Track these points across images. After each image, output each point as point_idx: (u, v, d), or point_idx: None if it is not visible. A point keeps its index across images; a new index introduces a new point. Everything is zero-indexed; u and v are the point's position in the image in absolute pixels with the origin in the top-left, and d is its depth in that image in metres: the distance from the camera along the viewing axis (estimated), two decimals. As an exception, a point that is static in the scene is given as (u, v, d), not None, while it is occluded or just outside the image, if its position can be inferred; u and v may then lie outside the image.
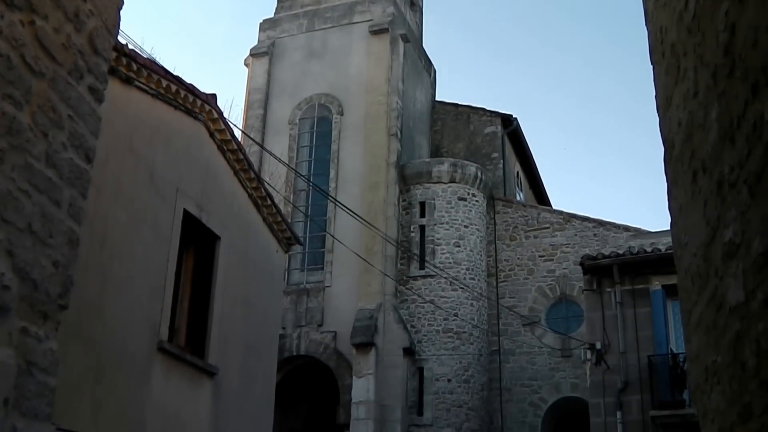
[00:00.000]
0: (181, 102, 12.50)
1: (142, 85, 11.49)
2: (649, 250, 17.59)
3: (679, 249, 4.41)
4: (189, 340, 12.78)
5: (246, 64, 33.43)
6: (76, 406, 9.57)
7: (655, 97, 4.86)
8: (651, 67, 5.03)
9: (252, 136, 30.20)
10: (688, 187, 3.97)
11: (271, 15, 34.07)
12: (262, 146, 26.17)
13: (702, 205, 3.64)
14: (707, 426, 3.92)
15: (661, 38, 4.47)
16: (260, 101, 31.96)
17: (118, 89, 11.00)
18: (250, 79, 32.75)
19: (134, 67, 11.20)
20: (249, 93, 32.42)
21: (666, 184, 4.66)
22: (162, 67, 11.87)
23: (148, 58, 11.57)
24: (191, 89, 12.63)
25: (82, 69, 5.15)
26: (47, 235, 4.78)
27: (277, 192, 24.35)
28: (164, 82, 11.93)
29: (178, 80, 12.27)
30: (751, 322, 2.96)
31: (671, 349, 16.54)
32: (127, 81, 11.16)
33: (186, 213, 12.42)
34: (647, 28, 4.98)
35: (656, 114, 4.83)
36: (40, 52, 4.71)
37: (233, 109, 62.42)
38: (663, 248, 17.13)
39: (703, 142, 3.62)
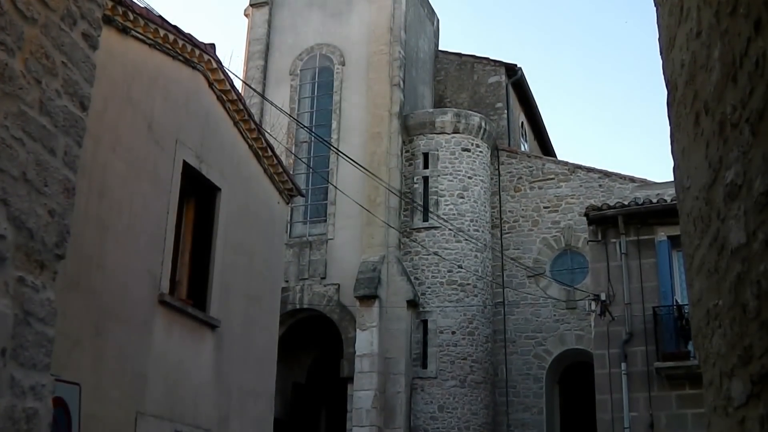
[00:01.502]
0: (179, 52, 12.44)
1: (139, 35, 11.43)
2: (654, 200, 17.54)
3: (681, 192, 4.40)
4: (190, 292, 12.84)
5: (246, 15, 33.20)
6: (77, 358, 9.63)
7: (659, 39, 4.82)
8: (655, 9, 4.99)
9: (253, 87, 30.08)
10: (691, 129, 3.94)
11: (271, -37, 33.71)
12: (262, 96, 26.09)
13: (704, 147, 3.63)
14: (708, 370, 3.94)
15: (664, -22, 4.42)
16: (261, 52, 31.79)
17: (114, 39, 10.95)
18: (250, 29, 32.55)
19: (131, 16, 11.14)
20: (249, 44, 32.24)
21: (669, 128, 4.64)
22: (159, 17, 11.79)
23: (145, 8, 11.48)
24: (189, 39, 12.56)
25: (75, 15, 5.11)
26: (42, 183, 4.78)
27: (279, 143, 24.32)
28: (162, 32, 11.86)
29: (176, 29, 12.20)
30: (752, 264, 2.96)
31: (676, 301, 16.54)
32: (124, 31, 11.10)
33: (185, 164, 12.41)
34: (651, -31, 4.92)
35: (660, 57, 4.80)
36: (32, -4, 4.67)
37: (234, 61, 62.17)
38: (669, 199, 17.08)
39: (705, 82, 3.59)
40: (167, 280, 11.75)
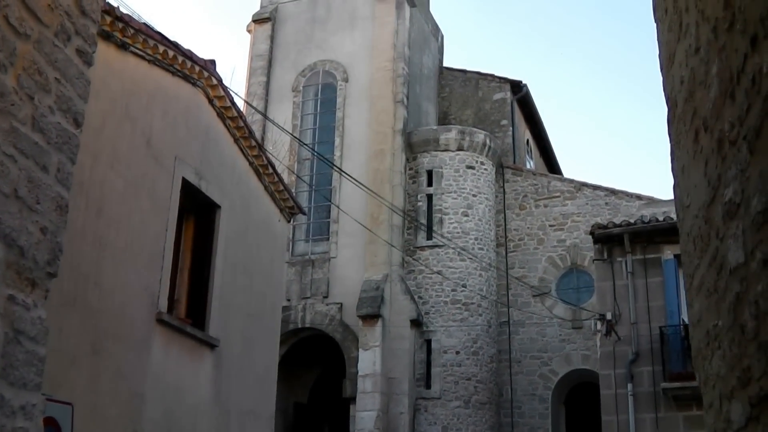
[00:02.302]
0: (178, 68, 12.47)
1: (138, 51, 11.46)
2: (660, 218, 17.53)
3: (681, 211, 4.39)
4: (189, 311, 12.82)
5: (248, 31, 33.32)
6: (73, 377, 9.61)
7: (659, 55, 4.82)
8: (656, 25, 4.99)
9: (255, 104, 30.17)
10: (690, 146, 3.94)
11: (274, -21, 33.86)
12: (263, 114, 26.12)
13: (703, 165, 3.62)
14: (708, 392, 3.91)
15: (663, -7, 4.42)
16: (263, 68, 31.86)
17: (113, 54, 10.98)
18: (253, 45, 32.64)
19: (129, 32, 11.16)
20: (251, 60, 32.32)
21: (669, 145, 4.63)
22: (158, 32, 11.82)
23: (144, 23, 11.52)
24: (189, 55, 12.59)
25: (69, 31, 5.12)
26: (34, 200, 4.77)
27: (280, 162, 24.35)
28: (161, 48, 11.89)
29: (175, 45, 12.24)
30: (750, 283, 2.94)
31: (683, 320, 16.47)
32: (123, 46, 11.13)
33: (185, 181, 12.41)
34: (650, -16, 4.93)
35: (660, 74, 4.80)
36: (25, 12, 4.68)
37: (236, 77, 62.29)
38: (675, 217, 17.03)
39: (704, 99, 3.58)
40: (165, 298, 11.73)
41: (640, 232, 17.43)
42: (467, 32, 78.34)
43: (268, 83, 31.66)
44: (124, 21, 11.00)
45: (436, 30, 35.22)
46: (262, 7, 33.16)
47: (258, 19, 32.75)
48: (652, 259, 17.31)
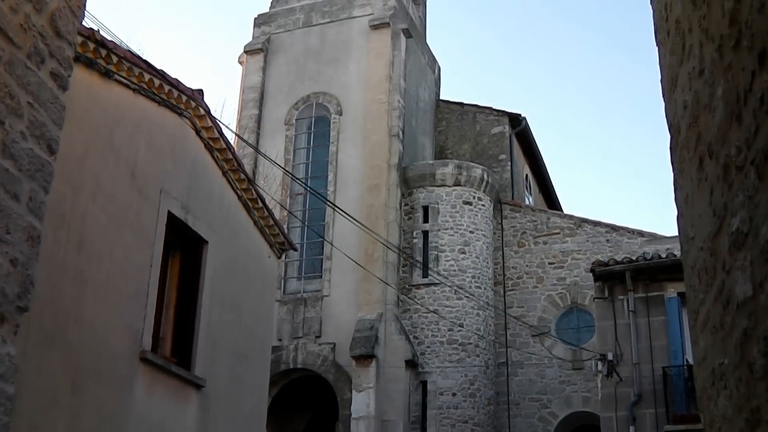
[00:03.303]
0: (164, 97, 12.37)
1: (122, 79, 11.37)
2: (663, 255, 17.44)
3: (685, 243, 4.28)
4: (175, 349, 12.64)
5: (240, 62, 33.33)
6: (52, 417, 9.44)
7: (661, 80, 4.73)
8: (657, 49, 4.90)
9: (246, 137, 30.14)
10: (694, 174, 3.83)
11: (266, 9, 33.96)
12: (254, 147, 26.05)
13: (708, 194, 3.50)
14: (714, 435, 3.78)
15: (665, 15, 4.34)
16: (255, 100, 31.85)
17: (97, 83, 10.90)
18: (244, 77, 32.66)
19: (113, 59, 11.08)
20: (243, 92, 32.32)
21: (672, 174, 4.53)
22: (144, 61, 11.75)
23: (129, 51, 11.45)
24: (175, 84, 12.50)
25: (43, 53, 5.02)
26: (4, 231, 4.65)
27: (272, 198, 24.27)
28: (146, 76, 11.79)
29: (161, 74, 12.15)
30: (759, 319, 2.82)
31: (687, 360, 16.32)
32: (107, 74, 11.03)
33: (170, 215, 12.27)
34: (652, 7, 4.85)
35: (663, 100, 4.70)
36: (-5, 32, 4.58)
37: (227, 109, 62.29)
38: (679, 253, 16.96)
39: (709, 123, 3.48)
40: (150, 336, 11.55)
41: (643, 270, 17.32)
42: (465, 64, 78.67)
43: (260, 116, 31.63)
44: (108, 48, 10.91)
45: (432, 62, 35.27)
46: (254, 38, 33.20)
47: (250, 51, 32.79)
48: (654, 297, 17.19)
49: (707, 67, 3.50)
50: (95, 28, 10.75)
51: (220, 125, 13.91)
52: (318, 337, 27.53)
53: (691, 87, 3.82)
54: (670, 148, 4.55)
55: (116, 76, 11.26)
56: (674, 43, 4.23)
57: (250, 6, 74.13)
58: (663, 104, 4.70)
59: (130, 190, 11.44)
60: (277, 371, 27.03)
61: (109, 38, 11.00)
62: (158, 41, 65.89)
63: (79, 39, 10.39)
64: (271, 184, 26.45)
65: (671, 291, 16.99)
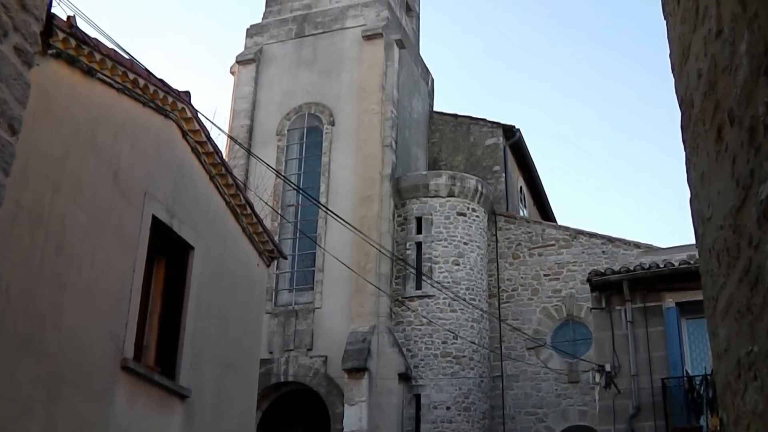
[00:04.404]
0: (150, 98, 12.01)
1: (106, 78, 11.01)
2: (661, 265, 17.13)
3: (701, 226, 3.92)
4: (159, 358, 12.26)
5: (232, 72, 33.09)
6: (26, 427, 9.06)
7: (670, 55, 4.41)
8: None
9: (237, 147, 29.84)
10: (712, 147, 3.49)
11: (259, 20, 33.72)
12: (248, 151, 25.73)
13: (730, 164, 3.16)
14: (741, 434, 3.41)
15: (676, -17, 4.01)
16: (246, 111, 31.58)
17: (78, 81, 10.56)
18: (236, 87, 32.41)
19: (97, 57, 10.73)
20: (235, 102, 32.07)
21: (684, 153, 4.19)
22: (129, 59, 11.39)
23: (113, 49, 11.08)
24: (161, 84, 12.15)
25: (6, 26, 4.67)
26: (-42, 214, 4.28)
27: (265, 203, 23.95)
28: (131, 75, 11.45)
29: (147, 74, 11.80)
30: (796, 295, 2.47)
31: (687, 371, 16.09)
32: (89, 72, 10.68)
33: (155, 219, 11.90)
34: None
35: (672, 76, 4.37)
36: (-50, -1, 4.23)
37: (217, 119, 61.97)
38: (677, 263, 16.70)
39: (729, 86, 3.15)
40: (132, 344, 11.17)
41: (640, 279, 17.02)
42: (458, 76, 78.57)
43: (251, 126, 31.36)
44: (91, 45, 10.56)
45: (426, 73, 35.03)
46: (246, 48, 32.96)
47: (242, 61, 32.55)
48: (652, 307, 16.89)
49: (726, 24, 3.18)
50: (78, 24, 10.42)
51: (214, 129, 13.64)
52: (309, 349, 27.21)
53: (707, 52, 3.49)
54: (682, 126, 4.21)
55: (99, 75, 10.91)
56: (686, 10, 3.91)
57: (242, 16, 73.98)
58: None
59: (112, 192, 11.07)
60: (268, 384, 26.74)
61: (92, 35, 10.67)
62: (148, 49, 65.67)
63: (61, 35, 10.07)
64: (262, 194, 26.09)
65: (669, 301, 16.70)
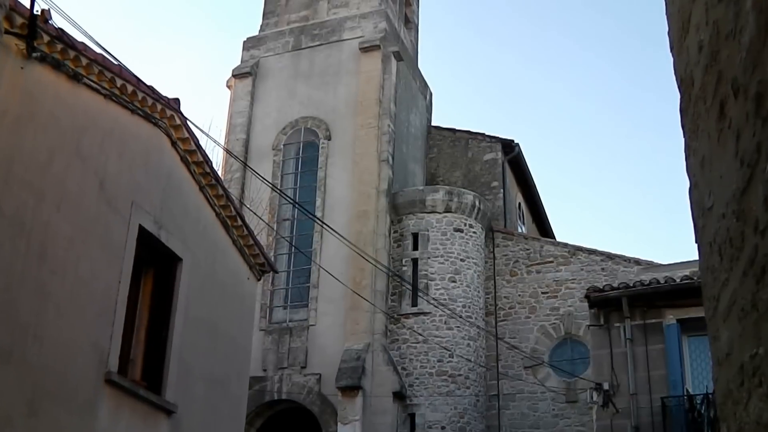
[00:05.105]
0: (138, 105, 11.82)
1: (92, 83, 10.83)
2: (662, 281, 16.93)
3: (701, 218, 3.71)
4: (145, 373, 12.03)
5: (228, 86, 32.95)
6: (4, 442, 8.83)
7: (668, 33, 4.22)
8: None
9: (233, 161, 29.73)
10: (714, 126, 3.28)
11: (256, 33, 33.61)
12: (244, 163, 25.52)
13: (734, 142, 2.95)
14: (744, 448, 3.18)
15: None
16: (242, 125, 31.43)
17: (64, 86, 10.38)
18: (232, 101, 32.29)
19: (83, 62, 10.54)
20: (230, 116, 31.93)
21: (683, 140, 3.99)
22: (117, 65, 11.20)
23: (100, 54, 10.90)
24: (150, 91, 11.96)
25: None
26: None
27: (260, 218, 23.76)
28: (119, 81, 11.26)
29: (135, 80, 11.61)
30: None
31: (687, 390, 15.87)
32: (75, 77, 10.49)
33: (142, 229, 11.70)
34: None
35: (671, 56, 4.19)
36: None
37: (212, 133, 61.80)
38: (678, 279, 16.50)
39: (733, 53, 2.95)
40: (117, 357, 10.94)
41: (640, 296, 16.82)
42: (457, 90, 78.49)
43: (247, 141, 31.21)
44: (78, 50, 10.38)
45: (424, 88, 34.88)
46: (242, 61, 32.83)
47: (238, 74, 32.42)
48: (652, 324, 16.68)
49: (731, -16, 2.98)
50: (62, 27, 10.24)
51: (209, 143, 13.41)
52: (303, 367, 26.98)
53: (708, 20, 3.30)
54: (681, 109, 4.02)
55: (86, 80, 10.73)
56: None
57: (238, 30, 73.91)
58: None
59: (98, 201, 10.88)
60: (262, 402, 26.57)
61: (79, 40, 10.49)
62: (144, 62, 65.61)
63: (46, 38, 9.90)
64: (257, 209, 25.89)
65: (670, 318, 16.50)
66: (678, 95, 4.03)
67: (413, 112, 32.86)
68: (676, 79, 4.04)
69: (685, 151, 3.96)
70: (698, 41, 3.45)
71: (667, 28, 4.22)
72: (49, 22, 9.57)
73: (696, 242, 3.87)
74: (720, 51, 3.11)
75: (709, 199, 3.46)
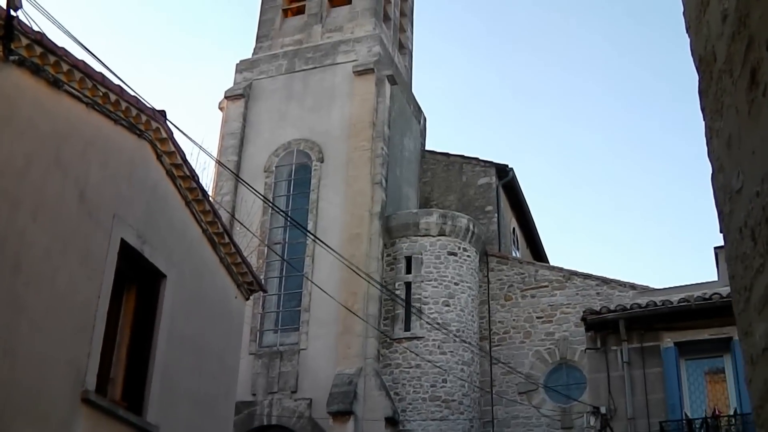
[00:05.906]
0: (122, 115, 11.41)
1: (74, 91, 10.41)
2: (659, 304, 16.54)
3: (727, 203, 3.30)
4: (126, 392, 11.56)
5: (220, 108, 32.61)
6: (-29, 463, 8.36)
7: (683, 14, 3.82)
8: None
9: (224, 183, 29.42)
10: (743, 98, 2.88)
11: (249, 56, 33.33)
12: (237, 176, 25.09)
13: (768, 111, 2.55)
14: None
15: None
16: (234, 147, 31.04)
17: (43, 92, 9.98)
18: (224, 123, 31.90)
19: (64, 68, 10.14)
20: (222, 138, 31.52)
21: (704, 124, 3.58)
22: (101, 73, 10.80)
23: (82, 60, 10.50)
24: (134, 102, 11.54)
25: None
26: None
27: (254, 235, 23.40)
28: (101, 90, 10.86)
29: (119, 89, 11.20)
30: None
31: (686, 414, 15.48)
32: (55, 84, 10.08)
33: (124, 243, 11.26)
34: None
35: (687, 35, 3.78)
36: None
37: (203, 155, 61.43)
38: (675, 301, 16.13)
39: (766, 12, 2.54)
40: (95, 375, 10.47)
41: (637, 318, 16.46)
42: (451, 115, 78.31)
43: (239, 163, 30.78)
44: (58, 55, 9.99)
45: (418, 112, 34.58)
46: (235, 83, 32.51)
47: (231, 96, 32.08)
48: (650, 347, 16.31)
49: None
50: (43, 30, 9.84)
51: (200, 161, 12.96)
52: (294, 392, 26.44)
53: (734, -15, 2.90)
54: (700, 91, 3.62)
55: (66, 87, 10.32)
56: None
57: (231, 55, 73.75)
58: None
59: (78, 212, 10.45)
60: (251, 428, 26.06)
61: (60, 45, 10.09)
62: (134, 80, 65.30)
63: (24, 41, 9.50)
64: (247, 232, 25.47)
65: (668, 341, 16.12)
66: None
67: (407, 135, 32.53)
68: (694, 60, 3.66)
69: (707, 135, 3.56)
70: (722, 11, 3.07)
71: (682, 9, 3.82)
72: (18, 8, 9.08)
73: (721, 231, 3.45)
74: (750, 13, 2.71)
75: (738, 180, 3.05)
